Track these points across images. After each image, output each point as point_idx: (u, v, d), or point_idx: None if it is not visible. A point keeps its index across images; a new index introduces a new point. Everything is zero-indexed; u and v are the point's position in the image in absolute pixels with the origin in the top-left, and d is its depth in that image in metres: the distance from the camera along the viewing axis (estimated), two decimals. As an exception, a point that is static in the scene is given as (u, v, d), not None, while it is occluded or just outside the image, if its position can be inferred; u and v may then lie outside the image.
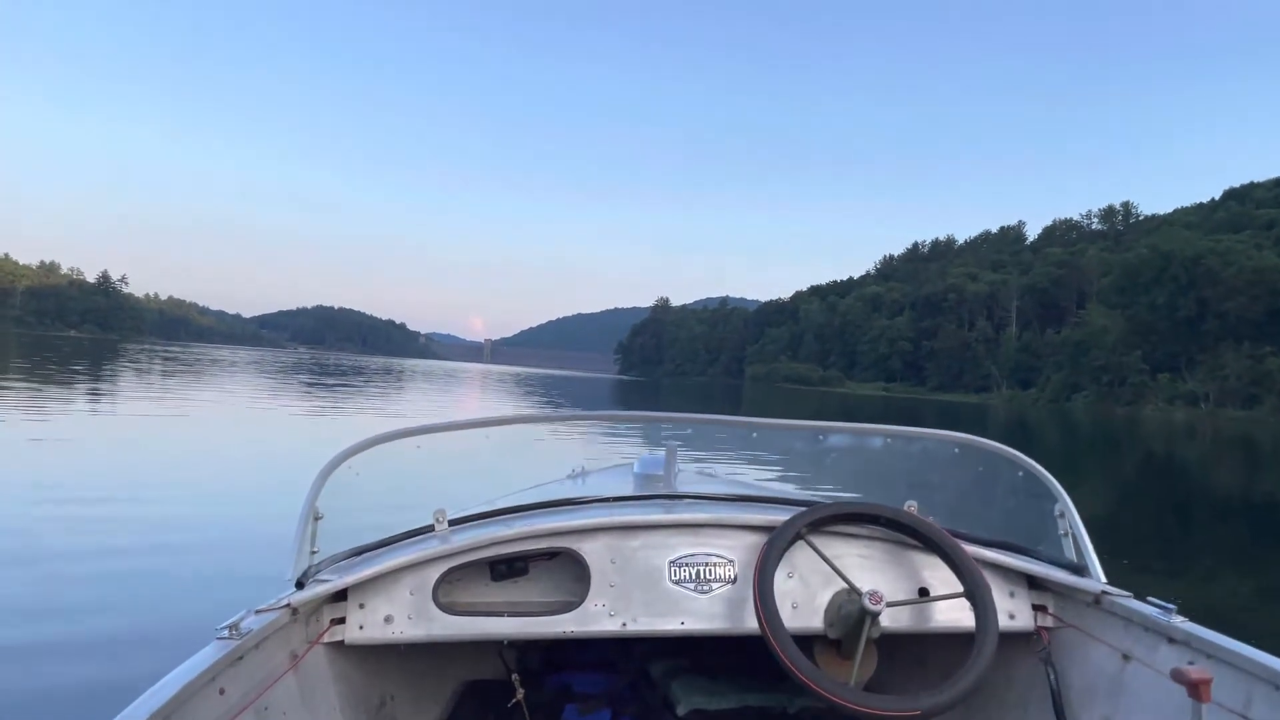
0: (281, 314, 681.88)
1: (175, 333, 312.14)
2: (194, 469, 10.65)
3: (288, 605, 1.92)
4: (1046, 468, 2.51)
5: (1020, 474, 2.52)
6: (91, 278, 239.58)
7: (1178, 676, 1.66)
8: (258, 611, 1.86)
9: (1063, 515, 2.42)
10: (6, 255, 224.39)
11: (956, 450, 2.68)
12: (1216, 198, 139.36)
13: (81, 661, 4.07)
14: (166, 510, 7.71)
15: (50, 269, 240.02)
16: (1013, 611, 2.31)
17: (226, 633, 1.69)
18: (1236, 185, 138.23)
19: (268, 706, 1.74)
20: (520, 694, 2.48)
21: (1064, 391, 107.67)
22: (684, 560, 2.25)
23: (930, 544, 2.23)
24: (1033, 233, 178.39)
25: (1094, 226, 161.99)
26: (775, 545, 2.14)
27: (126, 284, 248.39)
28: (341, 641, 2.12)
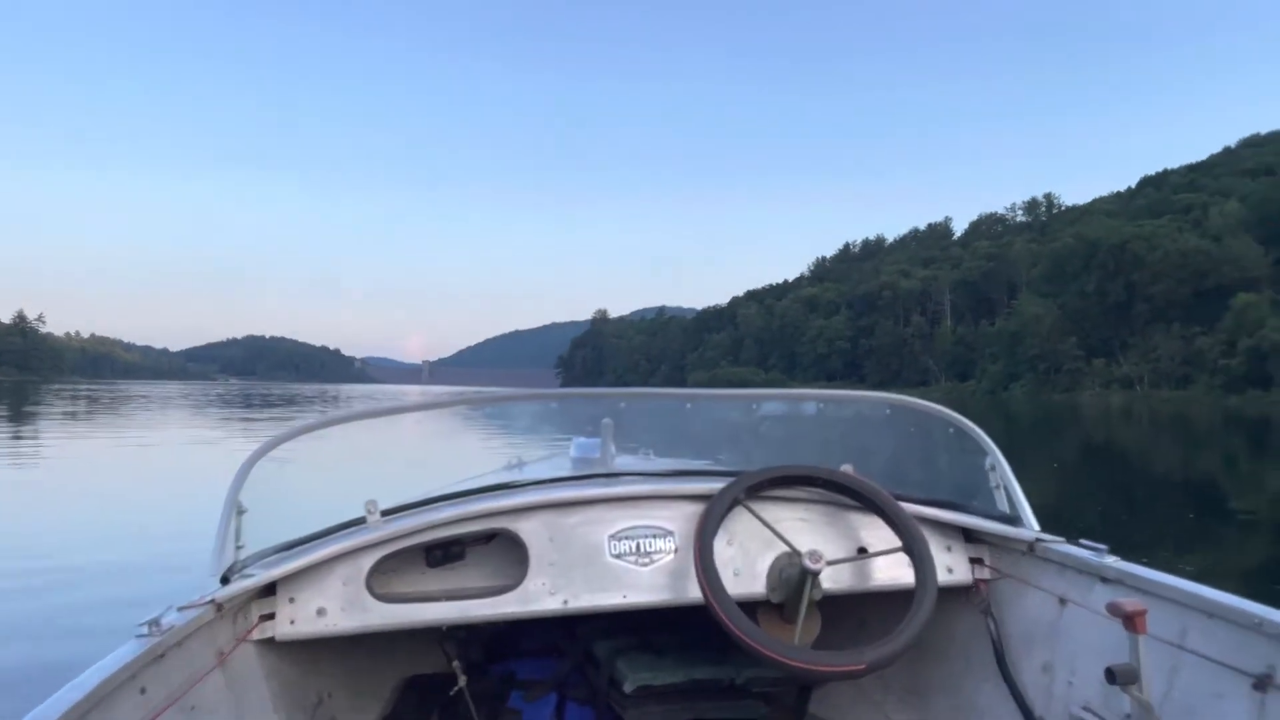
0: (211, 346, 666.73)
1: (99, 371, 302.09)
2: (104, 497, 10.48)
3: (212, 601, 1.86)
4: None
5: (951, 430, 2.53)
6: (7, 318, 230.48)
7: (1113, 609, 1.70)
8: (180, 608, 1.79)
9: (994, 468, 2.44)
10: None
11: (888, 411, 2.71)
12: (1134, 185, 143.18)
13: None
14: (73, 534, 7.57)
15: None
16: (950, 565, 2.35)
17: (146, 629, 1.62)
18: (1151, 173, 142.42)
19: (194, 706, 1.68)
20: (463, 683, 2.39)
21: (1002, 381, 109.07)
22: (624, 534, 2.23)
23: (867, 503, 2.25)
24: (959, 228, 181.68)
25: (1019, 219, 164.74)
26: (714, 512, 2.14)
27: (44, 323, 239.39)
28: (272, 638, 2.05)
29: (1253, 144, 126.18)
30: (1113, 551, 2.01)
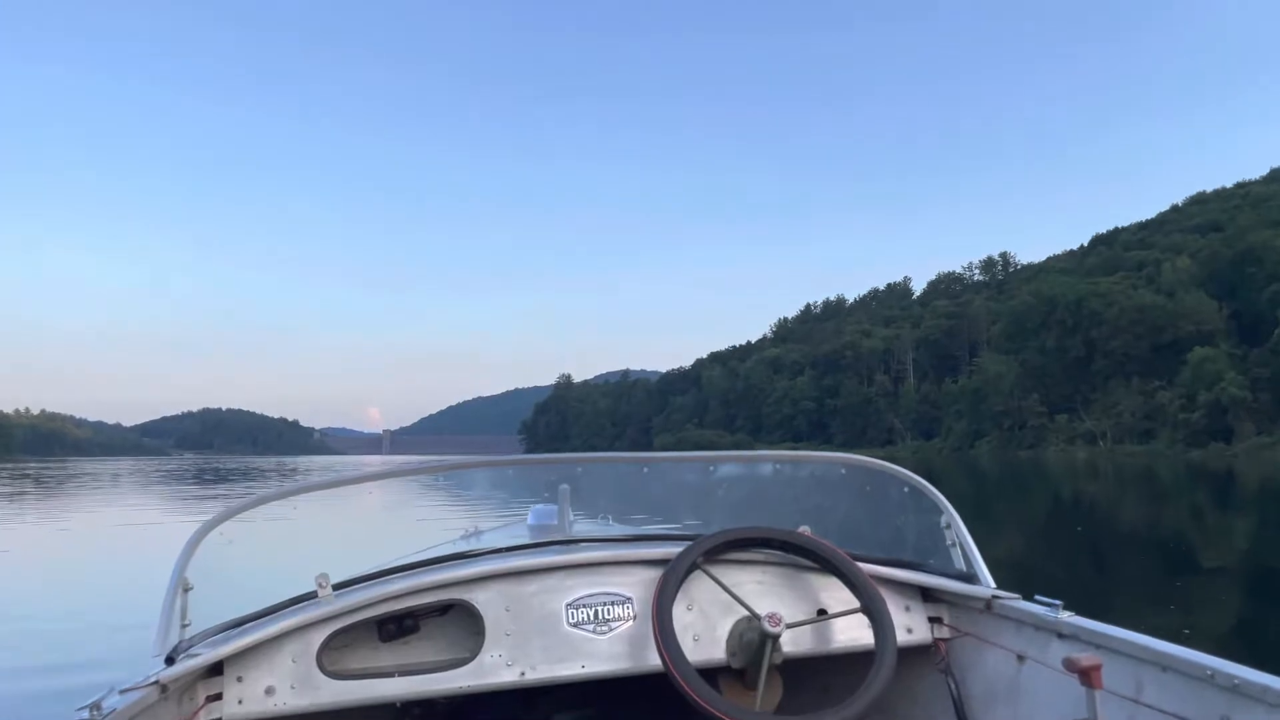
0: (165, 420, 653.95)
1: (49, 448, 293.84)
2: (44, 579, 10.41)
3: (156, 682, 1.79)
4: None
5: (906, 489, 2.53)
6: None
7: (1069, 665, 1.70)
8: (122, 691, 1.72)
9: (949, 526, 2.45)
10: None
11: (844, 471, 2.75)
12: (1086, 243, 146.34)
13: None
14: (21, 613, 7.56)
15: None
16: (910, 625, 2.35)
17: (88, 713, 1.57)
18: (1103, 230, 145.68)
19: None
20: None
21: (967, 439, 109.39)
22: (581, 602, 2.21)
23: (825, 564, 2.25)
24: (918, 287, 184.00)
25: (976, 278, 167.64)
26: (671, 578, 2.12)
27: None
28: (220, 719, 2.00)
29: (1199, 201, 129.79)
30: (1069, 607, 2.02)
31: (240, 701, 1.99)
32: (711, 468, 3.09)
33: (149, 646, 1.94)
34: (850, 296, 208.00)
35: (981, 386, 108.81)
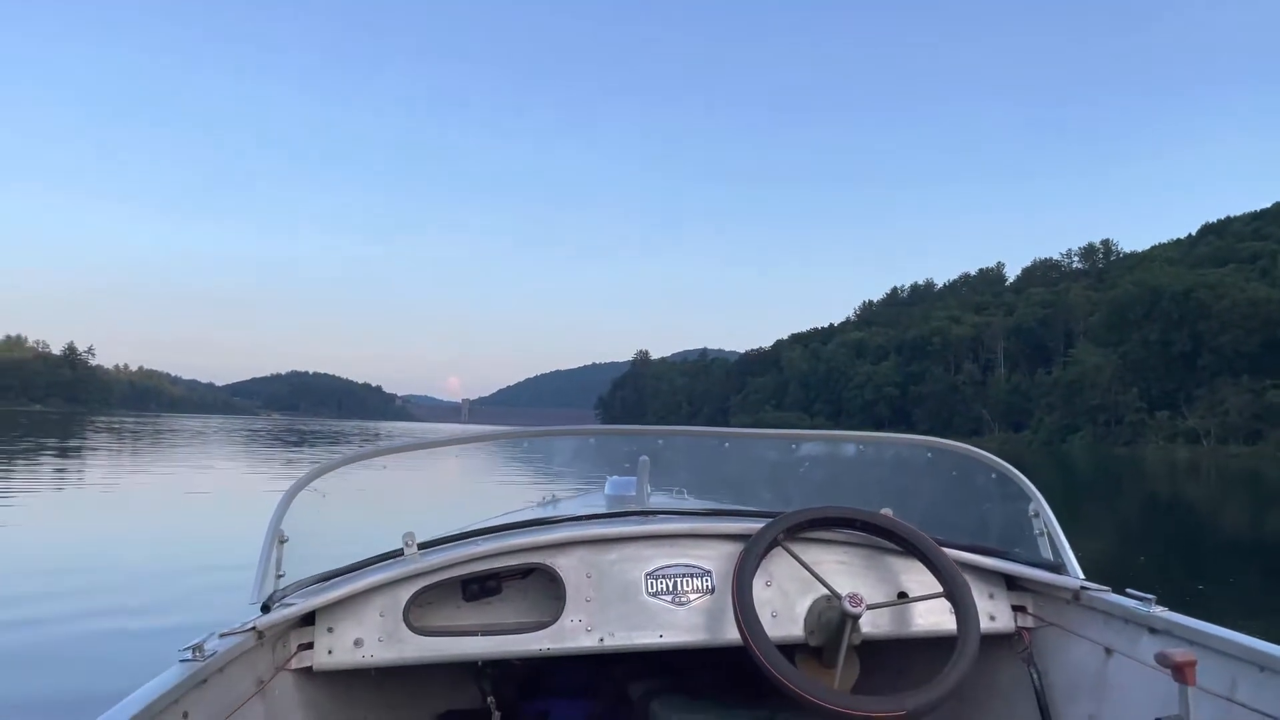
0: (255, 381, 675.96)
1: (146, 404, 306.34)
2: (154, 527, 10.83)
3: (253, 629, 1.88)
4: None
5: (994, 476, 2.52)
6: (57, 350, 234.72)
7: (1162, 660, 1.68)
8: (222, 635, 1.81)
9: (1037, 515, 2.42)
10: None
11: (930, 455, 2.73)
12: (1194, 233, 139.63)
13: (45, 684, 4.10)
14: (127, 560, 7.83)
15: (15, 342, 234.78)
16: (993, 613, 2.32)
17: (190, 654, 1.63)
18: (1213, 220, 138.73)
19: None
20: (497, 719, 2.43)
21: (1059, 433, 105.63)
22: (661, 572, 2.23)
23: (908, 546, 2.23)
24: (1012, 273, 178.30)
25: (1075, 265, 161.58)
26: (752, 552, 2.13)
27: (94, 355, 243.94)
28: (310, 667, 2.08)
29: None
30: (1161, 602, 1.99)
31: (330, 651, 2.07)
32: (793, 446, 3.04)
33: (245, 594, 2.02)
34: (939, 281, 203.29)
35: (1077, 379, 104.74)
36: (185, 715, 1.53)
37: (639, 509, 2.74)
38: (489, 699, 2.46)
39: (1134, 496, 27.67)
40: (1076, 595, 2.21)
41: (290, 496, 2.16)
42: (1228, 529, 18.70)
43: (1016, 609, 2.36)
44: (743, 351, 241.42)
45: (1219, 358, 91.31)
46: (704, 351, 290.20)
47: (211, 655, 1.66)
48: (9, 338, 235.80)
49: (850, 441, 3.02)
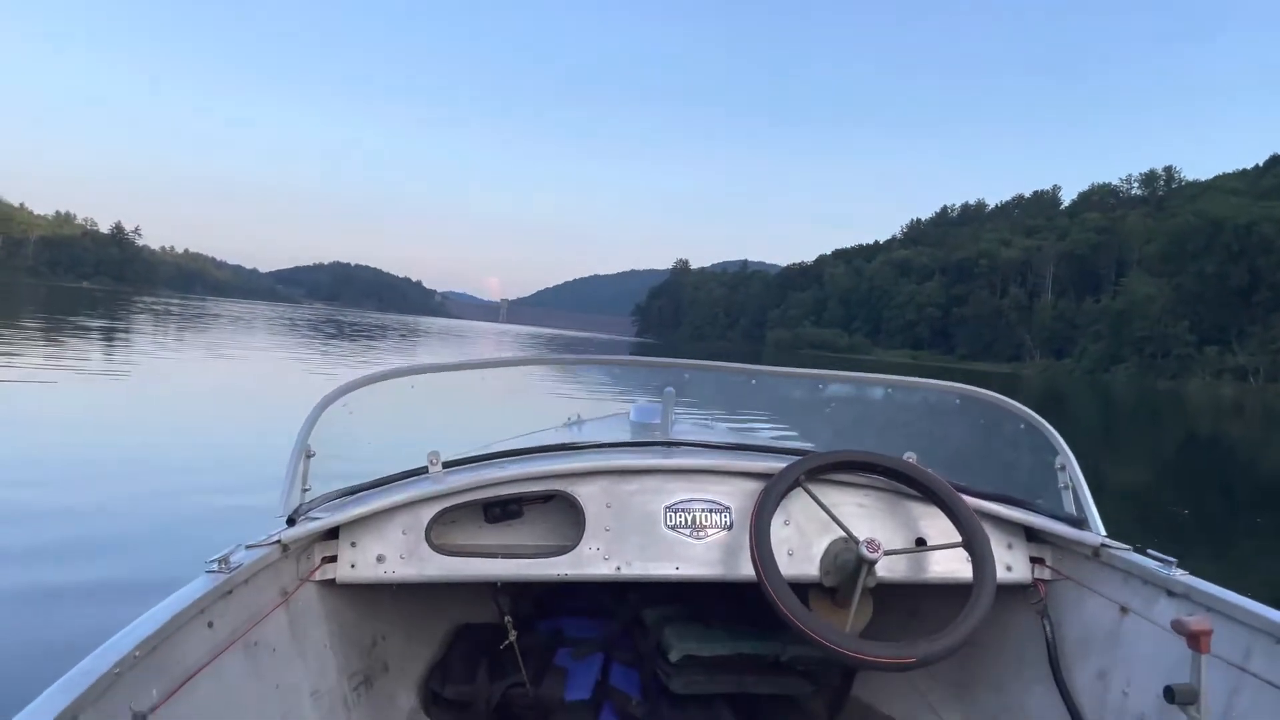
0: (298, 269, 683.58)
1: (191, 286, 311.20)
2: (194, 417, 10.58)
3: (278, 541, 1.93)
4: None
5: (1022, 426, 2.50)
6: (105, 229, 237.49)
7: (1178, 627, 1.69)
8: (248, 547, 1.87)
9: (1063, 468, 2.40)
10: (21, 205, 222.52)
11: (958, 402, 2.69)
12: (1261, 164, 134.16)
13: (69, 592, 4.03)
14: (162, 450, 7.77)
15: (65, 219, 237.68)
16: (1010, 563, 2.32)
17: (216, 566, 1.69)
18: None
19: (257, 642, 1.75)
20: (513, 636, 2.47)
21: (1103, 362, 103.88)
22: (680, 506, 2.26)
23: (929, 494, 2.24)
24: (1068, 197, 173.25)
25: (1134, 192, 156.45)
26: (772, 492, 2.16)
27: (141, 235, 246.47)
28: (333, 580, 2.13)
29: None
30: (1183, 565, 1.99)
31: (353, 565, 2.12)
32: (821, 385, 3.02)
33: (270, 503, 2.07)
34: (991, 202, 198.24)
35: (1127, 308, 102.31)
36: (210, 625, 1.57)
37: (663, 439, 2.77)
38: (506, 617, 2.48)
39: (1173, 431, 27.31)
40: (1096, 552, 2.20)
41: (318, 412, 2.17)
42: (1267, 468, 18.40)
43: (1035, 560, 2.34)
44: (784, 265, 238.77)
45: (1276, 294, 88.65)
46: (745, 263, 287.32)
47: (237, 567, 1.70)
48: (58, 214, 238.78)
49: (879, 385, 2.98)
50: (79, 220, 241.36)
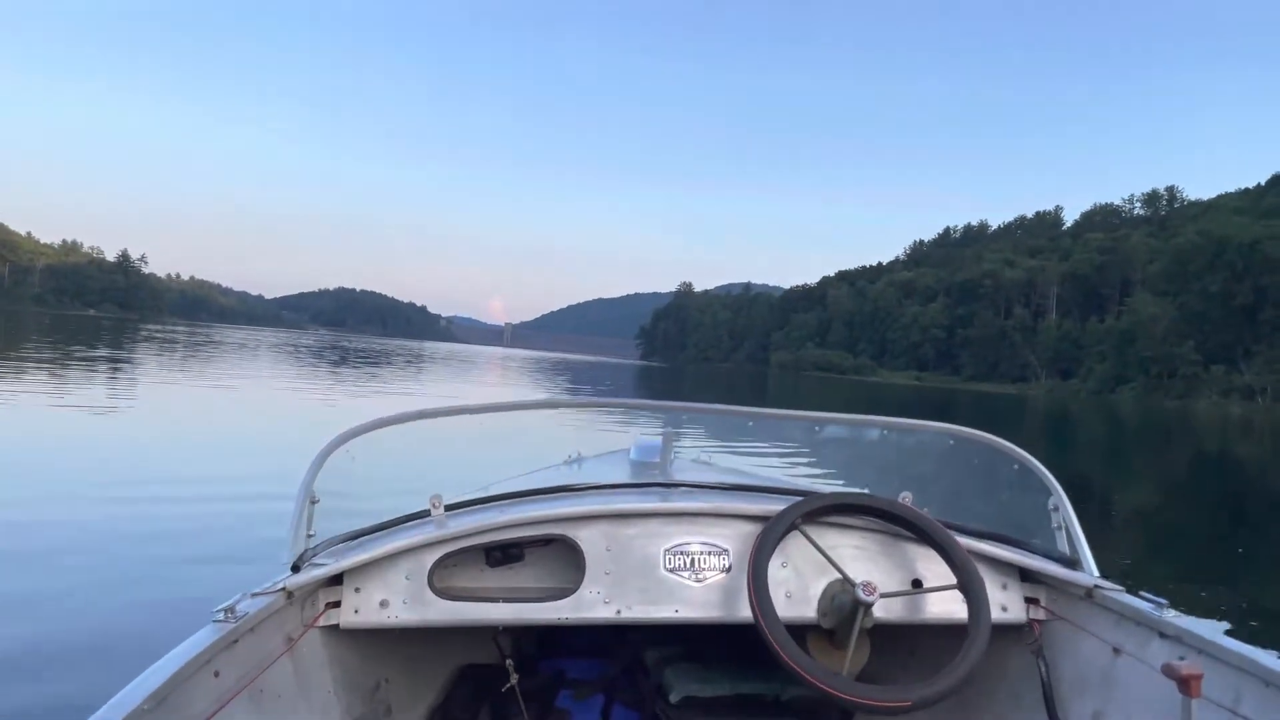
0: (303, 295, 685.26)
1: (196, 313, 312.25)
2: (195, 451, 10.61)
3: (283, 589, 1.95)
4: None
5: (1015, 467, 2.53)
6: (111, 256, 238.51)
7: (1168, 671, 1.69)
8: (253, 595, 1.89)
9: (1056, 509, 2.43)
10: (28, 234, 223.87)
11: (951, 443, 2.74)
12: (1263, 183, 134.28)
13: (77, 645, 4.04)
14: (167, 491, 7.70)
15: (71, 248, 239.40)
16: (1005, 604, 2.34)
17: (222, 615, 1.71)
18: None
19: (263, 689, 1.77)
20: (514, 679, 2.49)
21: (1109, 383, 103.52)
22: (679, 549, 2.27)
23: (924, 536, 2.26)
24: (1070, 217, 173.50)
25: (1136, 212, 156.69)
26: (770, 535, 2.18)
27: (147, 263, 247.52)
28: (337, 625, 2.14)
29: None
30: (1175, 606, 2.01)
31: (356, 611, 2.14)
32: (817, 428, 3.07)
33: (274, 548, 2.09)
34: (994, 223, 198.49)
35: (1132, 328, 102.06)
36: (216, 674, 1.59)
37: (662, 480, 2.82)
38: (507, 660, 2.50)
39: (1181, 451, 27.20)
40: (1089, 593, 2.22)
41: (321, 459, 2.20)
42: (1275, 487, 18.29)
43: (1029, 601, 2.36)
44: (787, 287, 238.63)
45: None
46: (748, 285, 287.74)
47: (243, 616, 1.73)
48: (65, 243, 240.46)
49: (874, 426, 3.01)
50: (85, 248, 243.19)
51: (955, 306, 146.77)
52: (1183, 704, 1.65)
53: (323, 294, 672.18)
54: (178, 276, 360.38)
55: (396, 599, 2.15)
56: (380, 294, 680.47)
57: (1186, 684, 1.64)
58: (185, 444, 11.30)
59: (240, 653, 1.70)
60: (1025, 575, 2.38)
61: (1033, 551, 2.40)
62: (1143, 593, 2.12)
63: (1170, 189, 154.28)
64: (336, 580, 2.13)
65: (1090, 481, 15.91)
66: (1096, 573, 2.27)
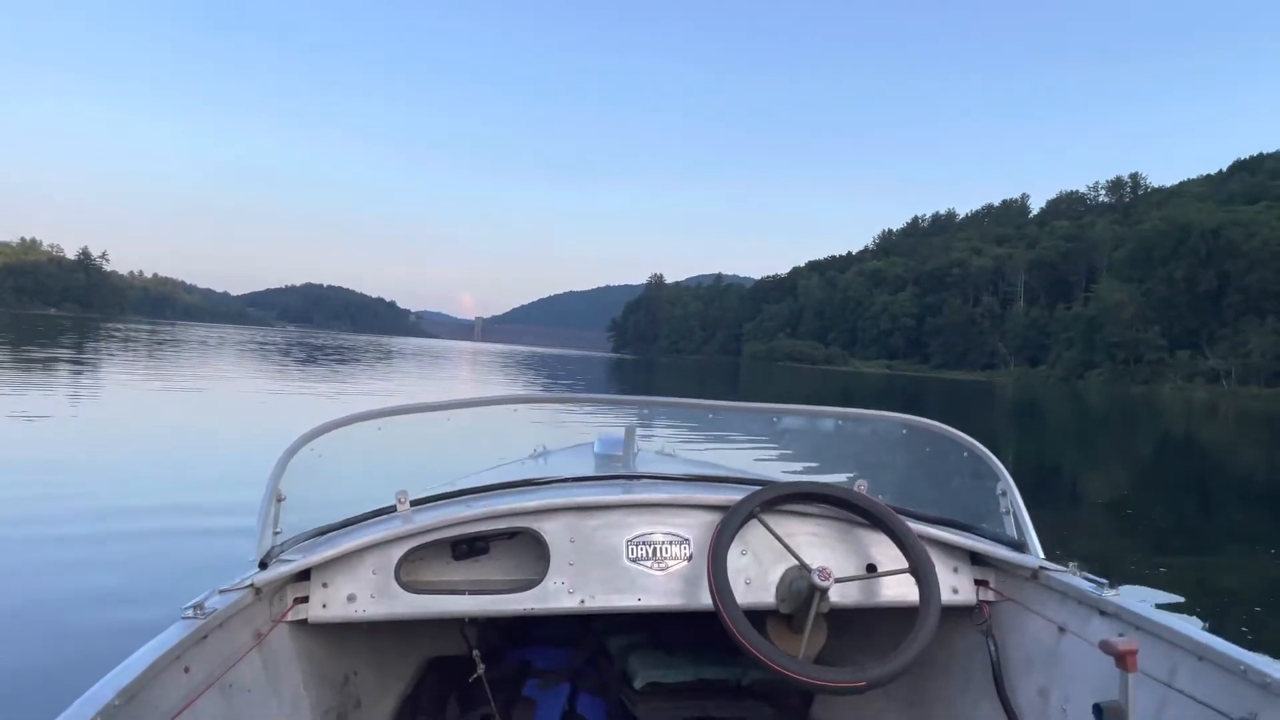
0: (270, 292, 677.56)
1: (160, 311, 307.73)
2: (161, 451, 10.54)
3: (251, 585, 1.99)
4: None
5: (965, 454, 2.61)
6: (71, 254, 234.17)
7: (1106, 648, 1.76)
8: (222, 591, 1.91)
9: (1004, 494, 2.52)
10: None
11: (904, 431, 2.80)
12: (1225, 169, 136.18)
13: (46, 641, 4.08)
14: (131, 491, 7.65)
15: (30, 246, 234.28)
16: (955, 586, 2.43)
17: (191, 612, 1.73)
18: (1245, 157, 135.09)
19: (232, 684, 1.79)
20: (481, 669, 2.52)
21: (1076, 369, 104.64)
22: (641, 539, 2.33)
23: (877, 522, 2.34)
24: (1036, 205, 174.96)
25: (1101, 199, 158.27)
26: (729, 524, 2.24)
27: (108, 261, 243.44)
28: (305, 620, 2.18)
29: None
30: (1113, 585, 2.11)
31: (324, 605, 2.17)
32: (776, 419, 3.14)
33: (242, 547, 2.11)
34: (962, 211, 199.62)
35: (1098, 315, 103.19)
36: (187, 670, 1.62)
37: (625, 472, 2.86)
38: (474, 651, 2.53)
39: (1147, 434, 27.50)
40: (1035, 574, 2.30)
41: (287, 457, 2.23)
42: (1239, 469, 18.44)
43: (979, 583, 2.44)
44: (758, 278, 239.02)
45: (1246, 297, 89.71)
46: (719, 276, 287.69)
47: (212, 612, 1.76)
48: (23, 241, 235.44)
49: (830, 417, 3.07)
50: (45, 246, 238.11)
51: (924, 295, 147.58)
52: (1120, 678, 1.72)
53: (289, 290, 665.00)
54: (141, 274, 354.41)
55: (364, 593, 2.17)
56: (348, 290, 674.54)
57: (1123, 659, 1.71)
58: (140, 447, 10.84)
59: (210, 648, 1.72)
60: (975, 558, 2.45)
61: (982, 535, 2.47)
62: (1085, 573, 2.20)
63: (1134, 176, 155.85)
64: (304, 576, 2.16)
65: (1058, 467, 16.01)
66: (1042, 555, 2.35)
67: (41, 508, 6.76)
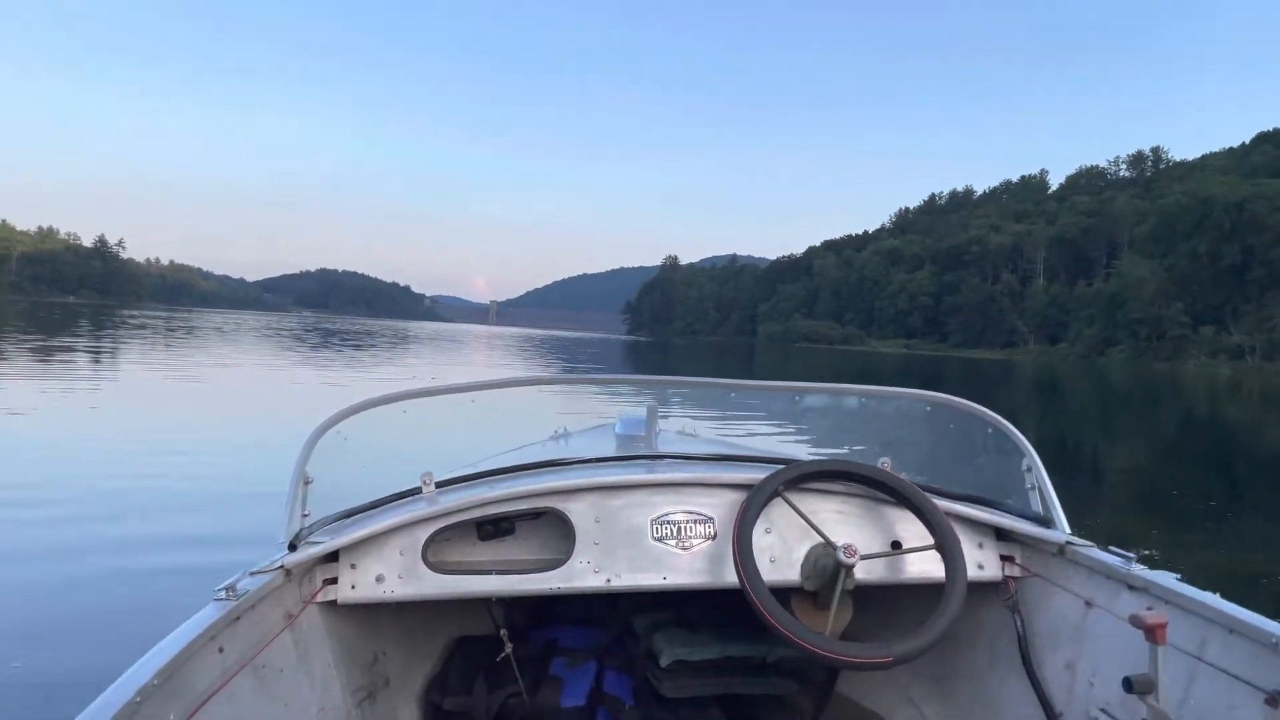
0: (286, 278, 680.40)
1: (177, 298, 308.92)
2: (190, 436, 10.56)
3: (282, 567, 2.03)
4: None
5: (989, 431, 2.62)
6: (88, 242, 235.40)
7: (1135, 621, 1.79)
8: (253, 573, 1.96)
9: (1030, 470, 2.52)
10: (4, 221, 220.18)
11: (928, 409, 2.83)
12: (1248, 141, 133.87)
13: (82, 624, 4.17)
14: (162, 476, 7.74)
15: (47, 234, 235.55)
16: (981, 562, 2.43)
17: (224, 594, 1.77)
18: (1269, 129, 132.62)
19: (265, 664, 1.83)
20: (509, 648, 2.57)
21: (1097, 346, 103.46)
22: (666, 518, 2.35)
23: (902, 499, 2.35)
24: (1056, 181, 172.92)
25: (1122, 174, 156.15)
26: (754, 502, 2.25)
27: (124, 248, 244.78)
28: (334, 601, 2.21)
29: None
30: (1142, 560, 2.11)
31: (353, 586, 2.21)
32: (797, 397, 3.17)
33: (271, 529, 2.16)
34: (979, 188, 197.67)
35: (1120, 291, 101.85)
36: (221, 650, 1.65)
37: (648, 452, 2.89)
38: (501, 630, 2.57)
39: (1171, 413, 27.15)
40: (1061, 549, 2.31)
41: (314, 440, 2.25)
42: (1265, 447, 18.10)
43: (1005, 559, 2.45)
44: (773, 258, 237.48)
45: (1270, 271, 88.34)
46: (734, 257, 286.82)
47: (244, 594, 1.80)
48: (41, 229, 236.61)
49: (853, 395, 3.06)
50: (62, 234, 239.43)
51: (942, 273, 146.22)
52: (1150, 651, 1.74)
53: (305, 276, 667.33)
54: (157, 261, 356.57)
55: (392, 574, 2.21)
56: (363, 274, 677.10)
57: (1153, 632, 1.73)
58: (169, 434, 10.78)
59: (242, 629, 1.76)
60: (1000, 534, 2.45)
61: (1007, 511, 2.47)
62: (1112, 548, 2.19)
63: (1155, 150, 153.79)
64: (333, 557, 2.19)
65: (1079, 445, 15.74)
66: (1068, 530, 2.35)
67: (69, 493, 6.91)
